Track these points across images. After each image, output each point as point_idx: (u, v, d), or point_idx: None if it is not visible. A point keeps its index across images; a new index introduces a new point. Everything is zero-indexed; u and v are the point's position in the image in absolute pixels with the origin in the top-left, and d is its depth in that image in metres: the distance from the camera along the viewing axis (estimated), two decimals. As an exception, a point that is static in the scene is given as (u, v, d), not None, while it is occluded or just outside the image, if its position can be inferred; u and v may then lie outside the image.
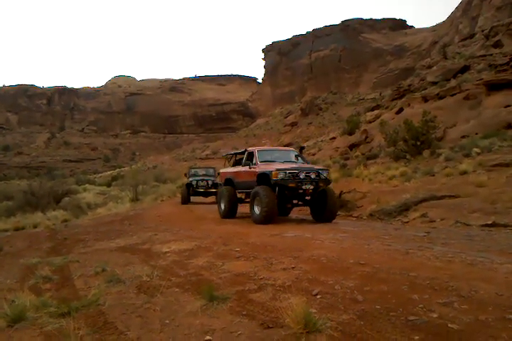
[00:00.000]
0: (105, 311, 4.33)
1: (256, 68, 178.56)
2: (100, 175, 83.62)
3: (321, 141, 44.65)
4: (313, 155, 35.41)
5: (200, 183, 20.69)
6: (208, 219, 12.17)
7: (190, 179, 21.16)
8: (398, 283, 4.40)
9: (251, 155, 11.54)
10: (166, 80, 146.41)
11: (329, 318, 3.56)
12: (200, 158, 74.46)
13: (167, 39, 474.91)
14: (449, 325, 3.32)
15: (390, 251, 6.15)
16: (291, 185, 9.88)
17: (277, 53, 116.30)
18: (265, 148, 12.45)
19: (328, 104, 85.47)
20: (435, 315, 3.53)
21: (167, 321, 3.96)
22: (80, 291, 5.21)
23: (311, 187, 10.07)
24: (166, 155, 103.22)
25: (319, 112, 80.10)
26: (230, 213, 11.98)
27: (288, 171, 9.96)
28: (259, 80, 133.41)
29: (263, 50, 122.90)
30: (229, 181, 12.32)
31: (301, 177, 9.99)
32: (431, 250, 6.26)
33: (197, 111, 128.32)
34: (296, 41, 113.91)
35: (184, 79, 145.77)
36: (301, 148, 13.18)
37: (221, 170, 13.74)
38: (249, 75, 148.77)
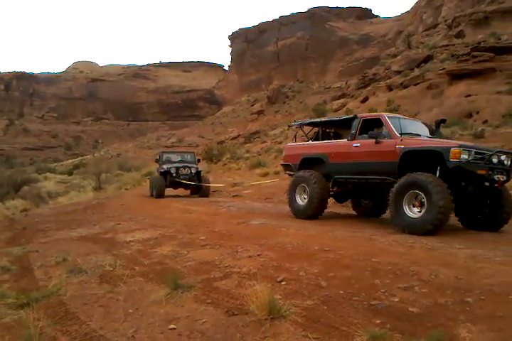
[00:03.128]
0: (66, 301, 4.24)
1: (222, 55, 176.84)
2: (61, 163, 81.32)
3: (288, 129, 44.75)
4: (280, 143, 35.49)
5: (182, 171, 16.35)
6: (172, 208, 12.01)
7: (165, 166, 16.70)
8: (361, 269, 4.48)
9: (369, 123, 8.07)
10: (129, 66, 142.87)
11: (293, 304, 3.60)
12: (165, 146, 73.28)
13: (130, 23, 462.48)
14: (410, 309, 3.41)
15: (354, 238, 6.26)
16: (480, 172, 6.51)
17: (244, 40, 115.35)
18: (393, 115, 8.34)
19: (294, 92, 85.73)
20: (396, 299, 3.62)
21: (130, 310, 3.91)
22: (40, 282, 5.06)
23: (503, 178, 6.80)
24: (130, 143, 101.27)
25: (286, 100, 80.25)
26: (318, 212, 8.51)
27: (475, 150, 6.61)
28: (226, 67, 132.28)
29: (229, 37, 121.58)
30: (313, 163, 8.73)
31: (494, 161, 6.69)
32: (394, 236, 6.41)
33: (162, 98, 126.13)
34: (262, 28, 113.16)
35: (148, 65, 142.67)
36: (441, 122, 8.67)
37: (290, 145, 9.97)
38: (216, 62, 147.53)
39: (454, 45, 37.56)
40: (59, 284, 4.59)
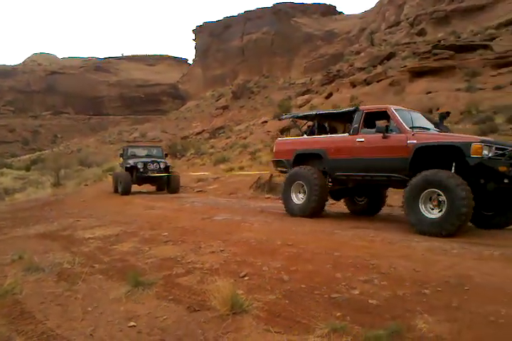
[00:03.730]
0: (22, 300, 4.10)
1: (186, 49, 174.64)
2: (18, 158, 78.44)
3: (253, 124, 44.77)
4: (245, 138, 35.51)
5: (151, 166, 15.52)
6: (134, 204, 11.80)
7: (131, 161, 15.79)
8: (323, 263, 4.54)
9: (372, 116, 7.70)
10: (89, 59, 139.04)
11: (256, 299, 3.60)
12: (127, 141, 71.84)
13: (90, 15, 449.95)
14: (369, 301, 3.47)
15: (316, 232, 6.33)
16: (502, 168, 6.16)
17: (208, 35, 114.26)
18: (399, 107, 7.74)
19: (260, 87, 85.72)
20: (356, 292, 3.68)
21: (89, 309, 3.82)
22: (-6, 281, 4.86)
23: None
24: (90, 137, 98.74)
25: (251, 96, 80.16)
26: (317, 211, 8.01)
27: (496, 145, 6.26)
28: (190, 61, 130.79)
29: (194, 31, 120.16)
30: (308, 159, 8.24)
31: None
32: (355, 230, 6.53)
33: (124, 92, 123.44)
34: (227, 23, 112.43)
35: (110, 58, 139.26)
36: (446, 115, 8.27)
37: (282, 140, 9.54)
38: (180, 56, 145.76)
39: (415, 42, 38.50)
40: (14, 283, 4.42)
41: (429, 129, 7.24)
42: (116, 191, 15.72)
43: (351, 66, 40.75)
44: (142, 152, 17.17)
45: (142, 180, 15.69)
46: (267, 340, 2.97)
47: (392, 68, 30.32)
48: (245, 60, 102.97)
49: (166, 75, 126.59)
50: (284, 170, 8.87)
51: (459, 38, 31.62)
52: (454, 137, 6.53)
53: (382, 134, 6.92)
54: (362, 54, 43.45)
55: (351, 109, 7.93)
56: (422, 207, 6.23)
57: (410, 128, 6.76)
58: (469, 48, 26.69)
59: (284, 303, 3.52)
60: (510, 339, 2.77)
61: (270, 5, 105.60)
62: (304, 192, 8.01)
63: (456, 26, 41.05)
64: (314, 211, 7.90)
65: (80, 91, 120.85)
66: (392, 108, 7.31)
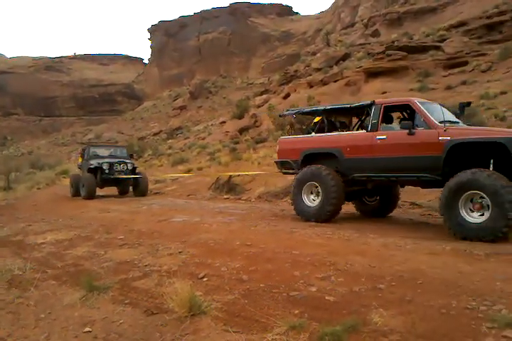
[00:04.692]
0: (-30, 310, 3.89)
1: (141, 48, 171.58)
2: (-34, 161, 74.68)
3: (211, 124, 44.61)
4: (203, 139, 35.30)
5: (118, 167, 14.43)
6: (89, 207, 11.47)
7: (94, 161, 14.62)
8: (282, 262, 4.57)
9: (391, 111, 7.23)
10: (40, 58, 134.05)
11: (215, 300, 3.59)
12: (81, 143, 69.96)
13: (40, 13, 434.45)
14: (326, 298, 3.53)
15: (275, 232, 6.37)
16: None
17: (164, 34, 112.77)
18: (422, 99, 7.09)
19: (217, 87, 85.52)
20: (314, 289, 3.73)
21: (42, 315, 3.71)
22: None
23: None
24: (42, 139, 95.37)
25: (209, 96, 79.86)
26: (334, 214, 7.39)
27: None
28: (146, 61, 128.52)
29: (149, 30, 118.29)
30: (319, 159, 7.58)
31: None
32: (313, 229, 6.62)
33: (77, 92, 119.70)
34: (183, 22, 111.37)
35: (61, 57, 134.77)
36: (466, 105, 7.27)
37: (287, 139, 8.67)
38: (135, 55, 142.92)
39: (370, 43, 39.45)
40: (-39, 292, 4.21)
41: (458, 123, 6.61)
42: (75, 195, 14.71)
43: (308, 66, 41.24)
44: (105, 152, 15.95)
45: (107, 182, 14.56)
46: (225, 340, 2.96)
47: (348, 68, 30.92)
48: (202, 60, 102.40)
49: (121, 75, 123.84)
50: (291, 171, 8.21)
51: (412, 39, 32.63)
52: (492, 132, 6.02)
53: (407, 131, 6.32)
54: (318, 54, 44.05)
55: (366, 102, 7.25)
56: (462, 211, 5.67)
57: (440, 122, 6.16)
58: (421, 49, 27.63)
59: (243, 303, 3.52)
60: (461, 329, 2.87)
61: (226, 5, 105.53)
62: (317, 194, 7.39)
63: (408, 28, 42.39)
64: (331, 215, 7.25)
65: (30, 92, 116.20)
66: (416, 100, 6.72)
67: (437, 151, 6.00)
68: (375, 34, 46.20)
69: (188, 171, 18.58)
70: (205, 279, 4.19)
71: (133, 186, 14.91)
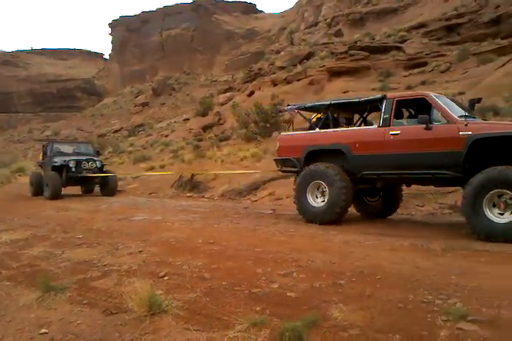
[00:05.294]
0: None
1: (102, 43, 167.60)
2: None
3: (175, 122, 44.12)
4: (167, 136, 34.86)
5: (86, 165, 13.66)
6: (47, 206, 11.11)
7: (58, 159, 13.82)
8: (244, 259, 4.57)
9: (404, 106, 6.96)
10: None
11: (175, 298, 3.54)
12: (39, 140, 67.74)
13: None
14: (288, 294, 3.54)
15: (238, 229, 6.37)
16: None
17: (125, 29, 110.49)
18: (436, 93, 6.71)
19: (181, 84, 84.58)
20: (276, 286, 3.74)
21: (-4, 318, 3.54)
22: None
23: None
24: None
25: (172, 93, 78.90)
26: (342, 215, 6.95)
27: None
28: (106, 56, 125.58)
29: (110, 25, 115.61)
30: (323, 156, 7.18)
31: None
32: (276, 226, 6.67)
33: (35, 88, 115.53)
34: (145, 18, 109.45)
35: (18, 51, 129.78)
36: (476, 101, 7.05)
37: (288, 135, 8.11)
38: (95, 50, 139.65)
39: (333, 43, 39.99)
40: None
41: (475, 118, 6.35)
42: (37, 194, 13.93)
43: (272, 65, 41.41)
44: (69, 149, 15.07)
45: (73, 181, 13.79)
46: (186, 339, 2.92)
47: (312, 67, 31.25)
48: (165, 56, 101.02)
49: (81, 70, 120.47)
50: (293, 170, 7.68)
51: (374, 39, 33.34)
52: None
53: (424, 125, 5.98)
54: (282, 53, 44.35)
55: (377, 97, 6.90)
56: (487, 211, 5.39)
57: (460, 117, 5.87)
58: (383, 50, 28.29)
59: (205, 301, 3.49)
60: (417, 323, 2.94)
61: (190, 1, 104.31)
62: (322, 194, 6.97)
63: (370, 28, 43.30)
64: (339, 216, 6.82)
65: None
66: (433, 94, 6.39)
67: (457, 147, 5.70)
68: (338, 34, 46.91)
69: (151, 169, 18.31)
70: (166, 278, 4.13)
71: (101, 185, 14.26)
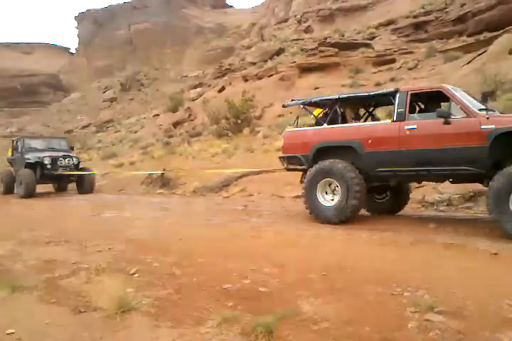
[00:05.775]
0: None
1: (68, 37, 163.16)
2: None
3: (144, 118, 43.42)
4: (136, 132, 34.36)
5: (62, 162, 13.03)
6: (12, 204, 10.81)
7: (31, 155, 13.14)
8: (216, 255, 4.57)
9: (418, 99, 6.69)
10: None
11: (146, 296, 3.51)
12: (3, 136, 65.56)
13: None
14: (260, 289, 3.56)
15: (209, 226, 6.36)
16: None
17: (93, 22, 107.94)
18: (451, 86, 6.37)
19: (150, 79, 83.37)
20: (247, 281, 3.76)
21: (-41, 319, 3.42)
22: None
23: None
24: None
25: (141, 88, 77.75)
26: (355, 214, 6.60)
27: None
28: (73, 50, 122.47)
29: (76, 18, 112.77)
30: (333, 153, 6.79)
31: None
32: (247, 222, 6.68)
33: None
34: (113, 11, 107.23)
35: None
36: (489, 94, 7.03)
37: (293, 131, 7.62)
38: (60, 44, 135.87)
39: (303, 39, 40.20)
40: None
41: (494, 111, 5.98)
42: (7, 192, 13.36)
43: (243, 60, 41.35)
44: (42, 144, 14.23)
45: (49, 179, 13.20)
46: (157, 336, 2.90)
47: (282, 63, 31.32)
48: (134, 51, 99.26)
49: (46, 64, 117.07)
50: (300, 167, 7.26)
51: (343, 36, 33.67)
52: None
53: (443, 119, 5.69)
54: (253, 48, 44.25)
55: (390, 90, 6.60)
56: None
57: (480, 110, 5.67)
58: (352, 46, 28.63)
59: (176, 298, 3.47)
60: (387, 315, 3.01)
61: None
62: (333, 192, 6.64)
63: (340, 24, 43.69)
64: (353, 215, 6.49)
65: None
66: (450, 87, 6.11)
67: (480, 141, 5.43)
68: (309, 30, 47.17)
69: (120, 166, 18.03)
70: (136, 275, 4.08)
71: (77, 183, 13.64)
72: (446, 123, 5.67)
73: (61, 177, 13.36)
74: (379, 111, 8.28)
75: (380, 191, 7.47)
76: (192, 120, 32.20)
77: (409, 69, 23.73)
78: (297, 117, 8.09)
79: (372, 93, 6.78)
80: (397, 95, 6.32)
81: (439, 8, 31.99)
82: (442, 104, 6.67)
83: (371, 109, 7.84)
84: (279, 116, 24.58)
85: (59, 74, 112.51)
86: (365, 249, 4.71)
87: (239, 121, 21.95)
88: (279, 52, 37.46)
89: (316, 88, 24.99)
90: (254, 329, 2.78)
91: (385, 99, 6.85)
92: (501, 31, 20.73)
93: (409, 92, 6.27)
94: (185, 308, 3.26)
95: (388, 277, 3.71)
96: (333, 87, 24.21)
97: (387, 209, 7.45)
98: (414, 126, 5.98)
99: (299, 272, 3.94)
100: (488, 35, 22.85)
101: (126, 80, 78.44)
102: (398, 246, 4.85)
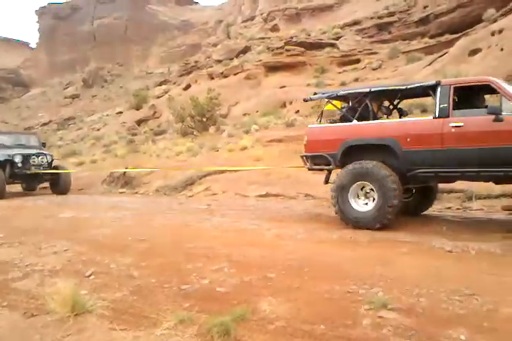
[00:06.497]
0: None
1: (28, 31, 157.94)
2: None
3: (107, 115, 42.55)
4: (98, 130, 33.64)
5: (35, 160, 12.13)
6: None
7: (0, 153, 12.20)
8: (175, 255, 4.52)
9: (462, 93, 6.00)
10: None
11: (101, 298, 3.44)
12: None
13: None
14: (218, 289, 3.55)
15: (171, 225, 6.29)
16: None
17: (54, 17, 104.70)
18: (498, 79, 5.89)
19: (114, 76, 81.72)
20: (206, 282, 3.74)
21: None
22: None
23: None
24: None
25: (104, 84, 76.10)
26: (392, 219, 5.91)
27: None
28: (33, 45, 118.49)
29: (36, 12, 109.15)
30: (364, 152, 6.24)
31: None
32: (210, 221, 6.65)
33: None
34: (75, 5, 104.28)
35: None
36: None
37: (319, 128, 6.95)
38: (19, 38, 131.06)
39: (269, 38, 40.29)
40: None
41: None
42: None
43: (209, 58, 41.10)
44: (8, 140, 13.01)
45: (20, 178, 12.20)
46: (111, 339, 2.85)
47: (248, 62, 31.33)
48: (97, 46, 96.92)
49: (4, 60, 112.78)
50: (326, 167, 6.70)
51: (309, 35, 33.95)
52: None
53: (494, 116, 5.23)
54: (219, 46, 44.00)
55: (429, 83, 6.03)
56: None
57: None
58: (318, 46, 28.98)
59: (132, 300, 3.42)
60: (342, 312, 3.05)
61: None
62: (366, 196, 6.10)
63: (306, 24, 44.09)
64: (390, 221, 5.88)
65: None
66: (498, 80, 5.62)
67: None
68: (275, 29, 47.32)
69: (81, 164, 17.60)
70: (92, 277, 4.00)
71: (52, 183, 12.69)
72: (498, 120, 5.21)
73: (34, 177, 12.33)
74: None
75: (406, 191, 6.63)
76: (157, 118, 31.80)
77: (373, 69, 24.20)
78: (321, 112, 7.23)
79: (409, 86, 6.20)
80: (439, 89, 5.81)
81: (403, 9, 32.76)
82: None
83: (395, 102, 7.27)
84: (245, 114, 24.62)
85: (19, 70, 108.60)
86: (325, 248, 4.77)
87: (204, 120, 21.82)
88: (246, 50, 37.44)
89: (283, 87, 25.14)
90: (210, 330, 2.77)
91: (417, 92, 6.48)
92: (461, 33, 21.44)
93: (452, 86, 5.74)
94: (141, 310, 3.22)
95: (345, 275, 3.77)
96: (299, 86, 24.40)
97: (411, 209, 6.89)
98: (461, 124, 5.47)
99: (259, 271, 3.95)
100: (450, 37, 23.61)
101: (89, 76, 76.61)
102: (357, 245, 4.94)
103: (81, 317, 3.12)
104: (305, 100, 7.61)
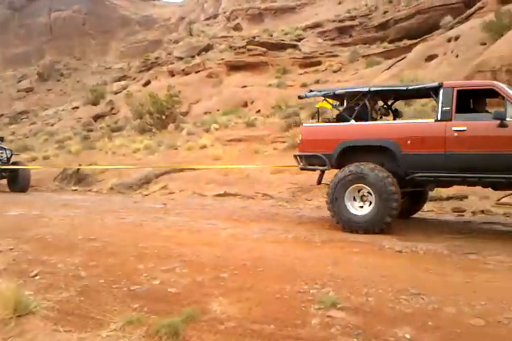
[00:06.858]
0: None
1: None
2: None
3: (62, 110, 41.21)
4: (52, 125, 32.51)
5: None
6: None
7: None
8: (126, 255, 4.42)
9: (465, 97, 5.85)
10: None
11: (46, 298, 3.33)
12: None
13: None
14: (168, 289, 3.50)
15: (123, 225, 6.16)
16: None
17: (8, 7, 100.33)
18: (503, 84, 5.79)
19: (70, 69, 79.22)
20: (157, 282, 3.67)
21: None
22: None
23: None
24: None
25: (60, 78, 73.72)
26: (391, 223, 5.72)
27: None
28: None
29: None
30: (361, 153, 6.06)
31: None
32: (164, 220, 6.56)
33: None
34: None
35: None
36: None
37: (314, 127, 6.85)
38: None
39: (232, 37, 40.25)
40: None
41: None
42: None
43: (170, 54, 40.59)
44: None
45: None
46: (55, 340, 2.75)
47: (210, 60, 31.16)
48: (53, 39, 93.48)
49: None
50: (320, 168, 6.49)
51: (272, 36, 34.14)
52: None
53: (499, 121, 5.12)
54: (180, 43, 43.55)
55: (432, 85, 5.87)
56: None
57: None
58: (280, 47, 29.24)
59: (79, 300, 3.31)
60: (292, 312, 3.07)
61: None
62: (362, 199, 5.92)
63: (269, 24, 44.26)
64: (388, 226, 5.71)
65: None
66: (502, 84, 5.54)
67: None
68: (237, 28, 47.31)
69: (33, 160, 16.95)
70: (37, 277, 3.85)
71: (10, 179, 11.82)
72: (503, 125, 5.12)
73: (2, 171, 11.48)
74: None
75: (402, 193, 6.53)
76: (114, 114, 31.12)
77: (334, 72, 24.62)
78: (318, 111, 7.14)
79: (411, 87, 6.10)
80: (441, 91, 5.67)
81: (364, 14, 33.54)
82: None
83: (389, 103, 7.17)
84: (206, 113, 24.48)
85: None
86: (279, 248, 4.79)
87: (163, 117, 21.52)
88: (208, 48, 37.22)
89: (244, 86, 25.18)
90: (158, 330, 2.72)
91: (417, 94, 6.40)
92: (419, 39, 22.17)
93: (455, 89, 5.60)
94: (87, 311, 3.13)
95: (298, 275, 3.79)
96: (260, 85, 24.51)
97: (403, 211, 6.52)
98: (464, 128, 5.36)
99: (211, 271, 3.92)
100: (408, 42, 24.39)
101: (44, 70, 73.94)
102: (311, 245, 4.99)
103: (24, 319, 3.00)
104: (300, 97, 7.34)
